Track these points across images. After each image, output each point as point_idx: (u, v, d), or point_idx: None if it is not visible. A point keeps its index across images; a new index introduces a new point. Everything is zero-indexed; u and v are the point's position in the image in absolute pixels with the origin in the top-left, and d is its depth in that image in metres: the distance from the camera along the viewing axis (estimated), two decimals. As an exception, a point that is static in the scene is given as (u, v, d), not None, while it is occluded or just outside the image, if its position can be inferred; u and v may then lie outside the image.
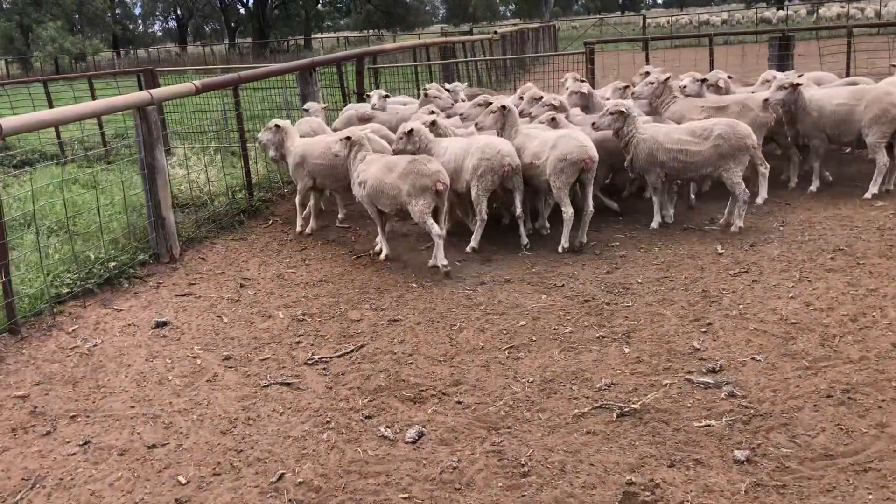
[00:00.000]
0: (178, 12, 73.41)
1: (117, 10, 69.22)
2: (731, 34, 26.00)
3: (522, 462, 3.96)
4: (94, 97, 14.68)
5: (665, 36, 28.73)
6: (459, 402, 4.60)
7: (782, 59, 12.72)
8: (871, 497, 3.52)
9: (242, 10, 68.21)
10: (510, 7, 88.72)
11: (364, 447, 4.20)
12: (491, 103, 7.79)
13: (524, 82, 11.94)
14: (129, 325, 6.15)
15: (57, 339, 5.91)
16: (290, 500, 3.80)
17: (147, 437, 4.46)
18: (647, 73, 9.83)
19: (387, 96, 9.98)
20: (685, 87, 8.74)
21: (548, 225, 7.80)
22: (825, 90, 8.64)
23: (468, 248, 7.31)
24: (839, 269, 6.29)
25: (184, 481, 4.01)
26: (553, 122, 7.82)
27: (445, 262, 6.73)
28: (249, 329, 5.96)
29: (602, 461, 3.93)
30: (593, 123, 7.69)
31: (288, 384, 5.00)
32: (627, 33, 45.92)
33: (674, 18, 50.25)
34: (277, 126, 8.30)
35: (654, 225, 7.72)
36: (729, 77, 9.78)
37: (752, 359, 4.89)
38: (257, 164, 10.17)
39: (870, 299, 5.65)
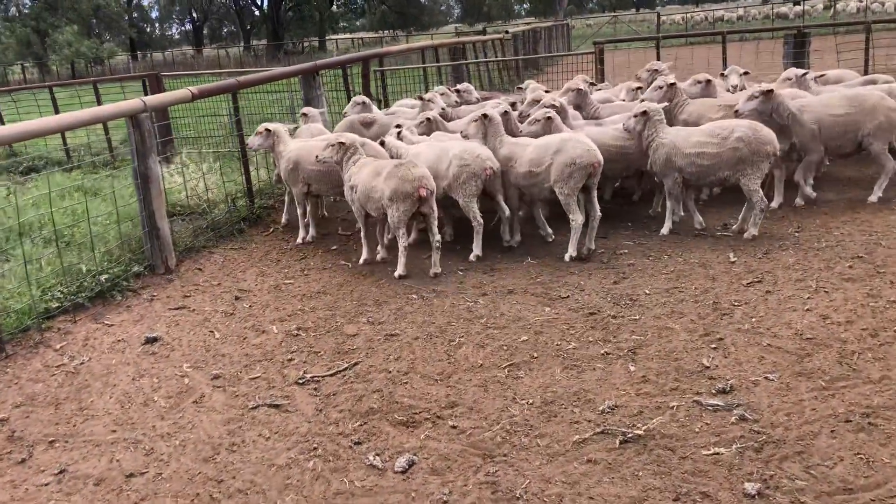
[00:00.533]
0: (194, 15, 73.49)
1: (134, 14, 69.50)
2: (745, 31, 25.50)
3: (517, 495, 3.71)
4: (99, 103, 14.60)
5: (676, 34, 28.24)
6: (454, 427, 4.36)
7: (797, 57, 12.34)
8: (893, 536, 3.25)
9: (257, 13, 68.30)
10: (525, 6, 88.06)
11: (351, 477, 3.97)
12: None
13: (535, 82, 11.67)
14: (119, 340, 5.96)
15: (43, 356, 5.73)
16: (269, 536, 3.59)
17: (126, 464, 4.26)
18: (655, 71, 9.59)
19: (364, 102, 9.73)
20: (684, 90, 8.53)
21: (550, 231, 7.55)
22: (816, 99, 7.98)
23: (472, 256, 7.12)
24: (858, 278, 5.99)
25: (160, 514, 3.80)
26: (548, 123, 7.58)
27: (402, 273, 6.81)
28: (241, 345, 5.75)
29: (602, 494, 3.67)
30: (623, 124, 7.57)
31: (276, 406, 4.78)
32: (642, 30, 45.41)
33: (689, 15, 49.60)
34: (268, 130, 8.08)
35: (665, 231, 7.45)
36: (745, 73, 9.51)
37: (765, 378, 4.60)
38: (258, 170, 9.95)
39: (890, 312, 5.33)
